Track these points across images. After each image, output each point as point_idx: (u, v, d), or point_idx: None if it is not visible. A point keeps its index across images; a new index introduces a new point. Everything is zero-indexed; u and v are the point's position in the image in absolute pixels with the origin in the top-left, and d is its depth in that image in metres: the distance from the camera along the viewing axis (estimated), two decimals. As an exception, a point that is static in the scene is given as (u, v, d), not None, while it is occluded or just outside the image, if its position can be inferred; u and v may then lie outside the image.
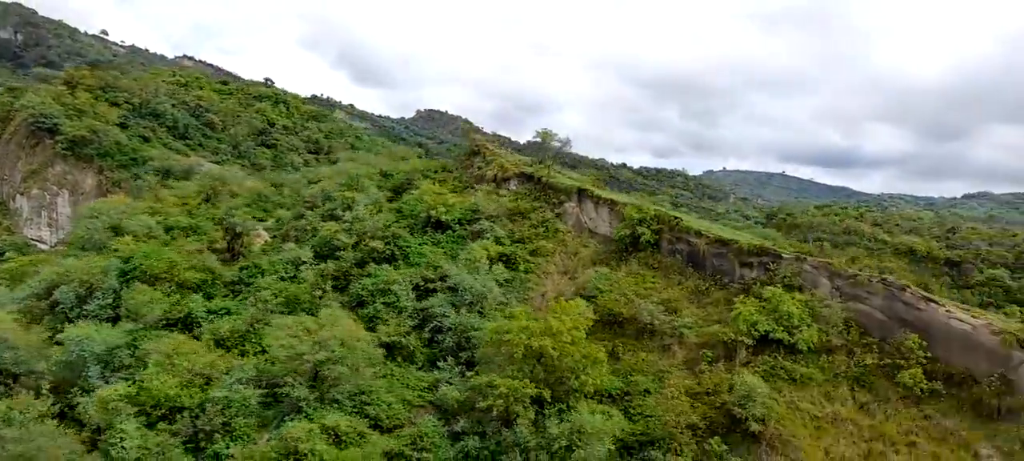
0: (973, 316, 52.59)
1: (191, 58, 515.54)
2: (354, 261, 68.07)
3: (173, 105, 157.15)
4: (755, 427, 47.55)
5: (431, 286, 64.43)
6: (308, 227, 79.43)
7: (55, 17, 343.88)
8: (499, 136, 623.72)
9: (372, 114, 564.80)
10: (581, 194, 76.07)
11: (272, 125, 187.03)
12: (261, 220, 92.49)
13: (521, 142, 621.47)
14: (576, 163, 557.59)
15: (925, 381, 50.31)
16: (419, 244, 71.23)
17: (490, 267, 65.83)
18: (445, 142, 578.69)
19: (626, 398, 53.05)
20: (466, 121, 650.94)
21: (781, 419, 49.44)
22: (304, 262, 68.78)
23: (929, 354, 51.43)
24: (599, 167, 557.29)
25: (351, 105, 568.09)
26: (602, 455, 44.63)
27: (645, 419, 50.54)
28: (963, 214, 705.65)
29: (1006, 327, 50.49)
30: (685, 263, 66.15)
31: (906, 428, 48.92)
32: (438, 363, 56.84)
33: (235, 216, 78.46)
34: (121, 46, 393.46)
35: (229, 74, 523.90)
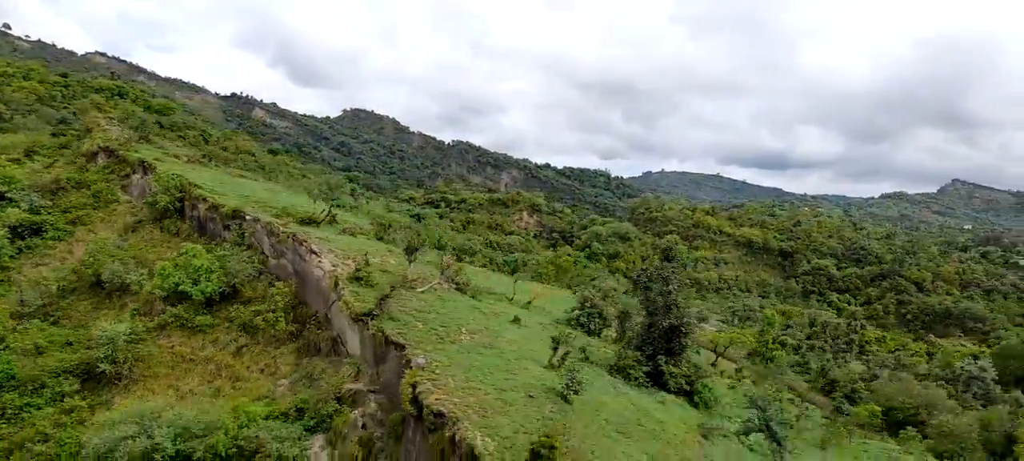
0: (331, 264, 48.51)
1: (103, 54, 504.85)
2: None
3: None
4: (108, 369, 49.97)
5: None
6: None
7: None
8: (425, 134, 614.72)
9: (294, 113, 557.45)
10: (144, 166, 71.25)
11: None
12: None
13: (448, 141, 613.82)
14: (498, 162, 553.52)
15: (288, 324, 51.94)
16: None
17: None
18: (369, 141, 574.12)
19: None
20: (393, 120, 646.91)
21: (144, 361, 51.55)
22: None
23: (300, 299, 53.46)
24: (521, 167, 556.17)
25: (273, 103, 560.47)
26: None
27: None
28: (876, 212, 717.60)
29: (332, 271, 47.09)
30: (194, 227, 62.44)
31: (253, 363, 50.25)
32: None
33: None
34: (26, 40, 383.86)
35: (143, 70, 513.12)
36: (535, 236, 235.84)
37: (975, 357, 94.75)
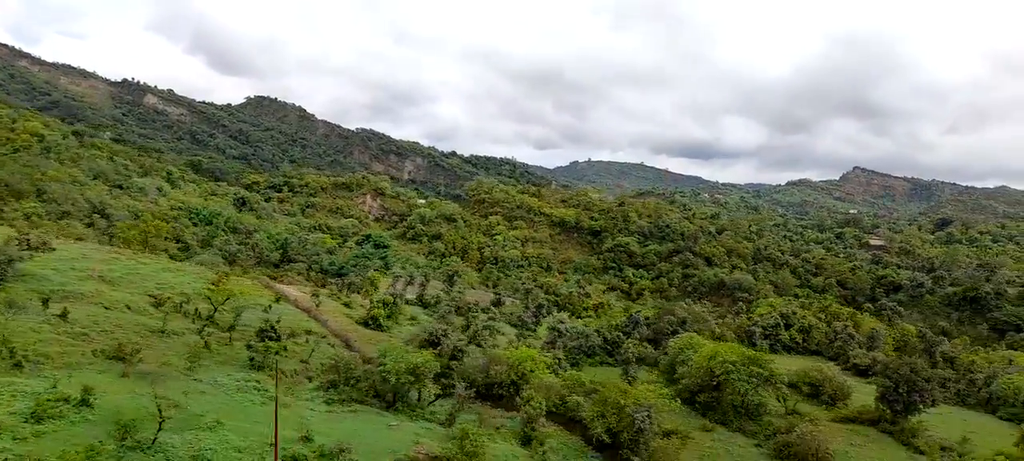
0: None
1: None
2: None
3: None
4: None
5: None
6: None
7: None
8: (329, 123, 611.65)
9: (191, 100, 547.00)
10: None
11: None
12: None
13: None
14: (402, 150, 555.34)
15: None
16: None
17: None
18: (270, 129, 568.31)
19: None
20: (298, 108, 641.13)
21: None
22: None
23: None
24: (424, 153, 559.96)
25: (170, 90, 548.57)
26: None
27: None
28: (780, 199, 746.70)
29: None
30: None
31: None
32: None
33: None
34: None
35: (27, 55, 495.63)
36: (377, 219, 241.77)
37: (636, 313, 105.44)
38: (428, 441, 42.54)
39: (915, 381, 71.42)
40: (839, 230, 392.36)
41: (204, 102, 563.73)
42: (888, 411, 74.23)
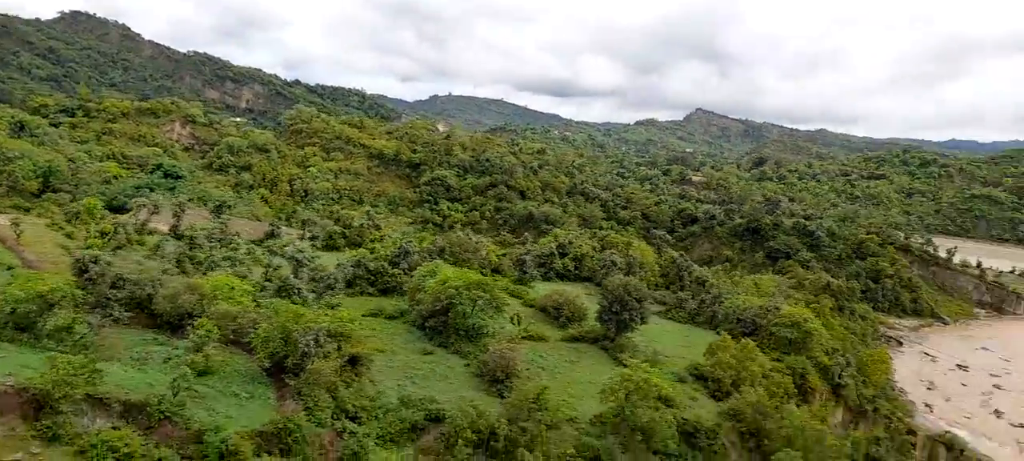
0: None
1: None
2: None
3: None
4: None
5: None
6: None
7: None
8: (157, 43, 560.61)
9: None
10: None
11: None
12: None
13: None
14: (239, 76, 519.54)
15: None
16: None
17: None
18: (87, 49, 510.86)
19: None
20: (121, 26, 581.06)
21: None
22: None
23: None
24: (265, 81, 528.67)
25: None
26: None
27: None
28: (628, 137, 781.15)
29: None
30: None
31: None
32: None
33: None
34: None
35: None
36: (186, 148, 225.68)
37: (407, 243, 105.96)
38: (30, 372, 39.88)
39: (626, 301, 77.29)
40: (667, 167, 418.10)
41: (5, 15, 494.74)
42: (608, 329, 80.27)
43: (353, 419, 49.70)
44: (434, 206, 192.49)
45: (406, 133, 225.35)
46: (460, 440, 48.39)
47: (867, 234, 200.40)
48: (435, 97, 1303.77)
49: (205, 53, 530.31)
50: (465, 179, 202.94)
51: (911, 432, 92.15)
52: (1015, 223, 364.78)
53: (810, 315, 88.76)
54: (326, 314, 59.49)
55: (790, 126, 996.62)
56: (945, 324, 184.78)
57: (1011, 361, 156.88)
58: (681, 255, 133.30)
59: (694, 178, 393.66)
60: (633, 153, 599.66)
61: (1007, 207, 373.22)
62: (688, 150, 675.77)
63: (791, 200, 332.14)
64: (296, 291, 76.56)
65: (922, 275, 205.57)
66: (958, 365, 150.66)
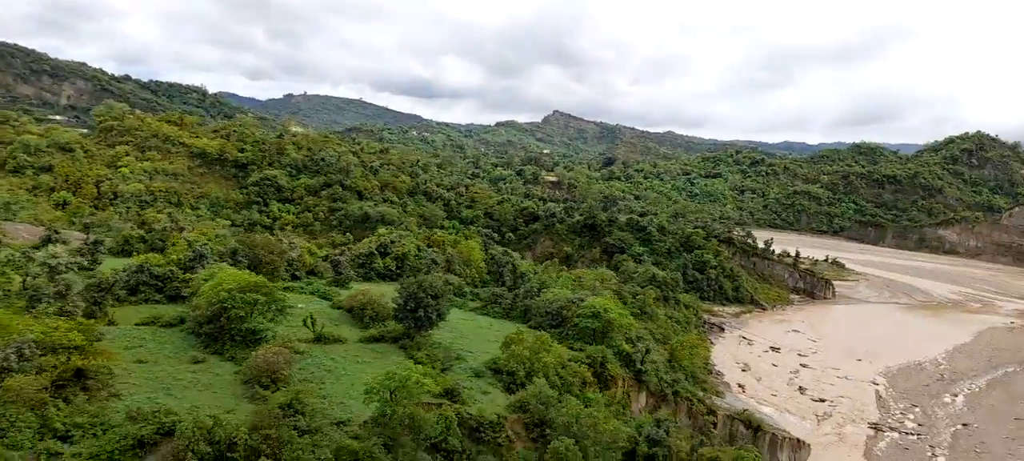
0: None
1: None
2: None
3: None
4: None
5: None
6: None
7: None
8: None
9: None
10: None
11: None
12: None
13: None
14: (58, 70, 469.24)
15: None
16: None
17: None
18: None
19: None
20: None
21: None
22: None
23: None
24: (90, 76, 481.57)
25: None
26: None
27: None
28: (488, 138, 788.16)
29: None
30: None
31: None
32: None
33: None
34: None
35: None
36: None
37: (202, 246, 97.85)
38: None
39: (421, 298, 74.91)
40: (520, 168, 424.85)
41: None
42: (408, 327, 77.55)
43: (63, 439, 43.45)
44: (264, 208, 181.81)
45: (235, 132, 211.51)
46: (189, 454, 43.47)
47: (693, 229, 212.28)
48: (289, 96, 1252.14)
49: (15, 44, 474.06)
50: (298, 179, 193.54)
51: (712, 412, 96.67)
52: (831, 216, 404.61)
53: (612, 305, 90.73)
54: (52, 324, 52.20)
55: (641, 128, 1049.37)
56: (764, 310, 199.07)
57: (817, 342, 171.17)
58: (505, 252, 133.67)
59: (547, 178, 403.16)
60: (492, 154, 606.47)
61: (824, 202, 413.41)
62: (545, 151, 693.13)
63: (636, 198, 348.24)
64: (50, 299, 67.59)
65: (744, 265, 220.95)
66: (771, 347, 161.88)
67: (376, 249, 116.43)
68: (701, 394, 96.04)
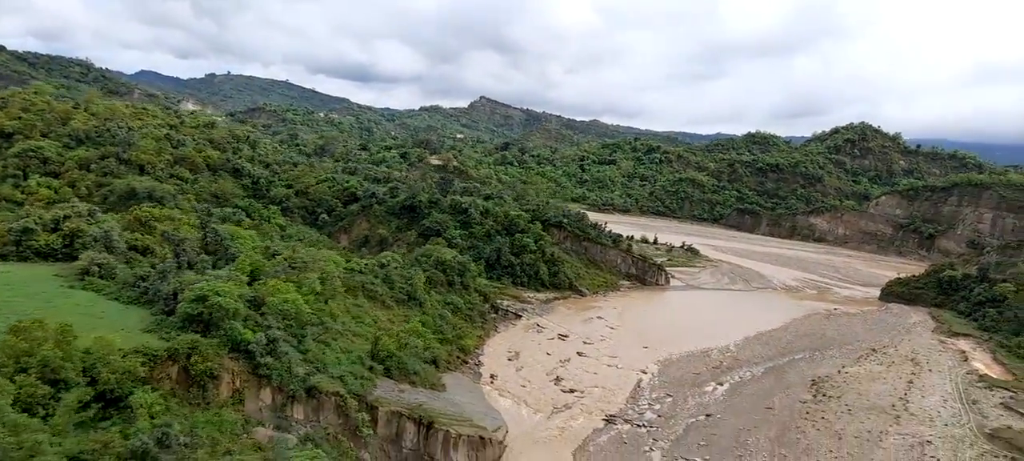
0: None
1: None
2: None
3: None
4: None
5: None
6: None
7: None
8: None
9: None
10: None
11: None
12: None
13: None
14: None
15: None
16: None
17: None
18: None
19: None
20: None
21: None
22: None
23: None
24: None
25: None
26: None
27: None
28: (409, 122, 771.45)
29: None
30: None
31: None
32: None
33: None
34: None
35: None
36: None
37: None
38: None
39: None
40: (406, 150, 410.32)
41: None
42: None
43: None
44: (22, 181, 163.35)
45: (7, 100, 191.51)
46: None
47: (517, 212, 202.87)
48: (212, 75, 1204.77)
49: None
50: (74, 150, 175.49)
51: (372, 408, 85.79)
52: (713, 204, 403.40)
53: (224, 288, 78.50)
54: None
55: (568, 117, 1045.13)
56: (582, 296, 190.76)
57: (615, 329, 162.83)
58: (212, 230, 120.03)
59: (431, 160, 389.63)
60: (406, 137, 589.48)
61: (708, 190, 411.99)
62: (459, 136, 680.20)
63: (500, 182, 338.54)
64: None
65: (575, 250, 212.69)
66: (560, 335, 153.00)
67: (40, 223, 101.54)
68: (357, 389, 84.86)
